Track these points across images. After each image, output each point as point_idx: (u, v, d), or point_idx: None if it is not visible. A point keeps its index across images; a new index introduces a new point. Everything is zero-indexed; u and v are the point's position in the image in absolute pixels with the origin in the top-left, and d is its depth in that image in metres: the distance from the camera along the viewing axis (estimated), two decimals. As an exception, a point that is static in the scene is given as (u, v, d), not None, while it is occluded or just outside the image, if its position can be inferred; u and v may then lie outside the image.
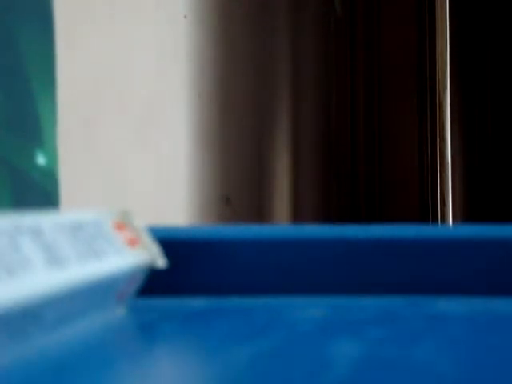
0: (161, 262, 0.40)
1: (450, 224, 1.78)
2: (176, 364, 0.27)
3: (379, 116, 1.86)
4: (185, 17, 1.15)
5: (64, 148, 0.73)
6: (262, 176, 1.53)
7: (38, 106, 0.66)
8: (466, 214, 1.88)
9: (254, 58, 1.47)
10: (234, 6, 1.35)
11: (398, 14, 1.89)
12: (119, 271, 0.35)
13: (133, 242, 0.39)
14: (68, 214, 0.33)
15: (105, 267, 0.33)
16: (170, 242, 0.43)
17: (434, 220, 1.79)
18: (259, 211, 1.53)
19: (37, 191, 0.62)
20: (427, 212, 1.79)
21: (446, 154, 1.81)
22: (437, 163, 1.81)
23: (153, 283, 0.40)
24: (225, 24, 1.31)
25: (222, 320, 0.36)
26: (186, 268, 0.45)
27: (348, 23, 1.93)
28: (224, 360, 0.27)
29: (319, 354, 0.27)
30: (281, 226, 0.46)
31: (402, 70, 1.87)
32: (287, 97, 1.68)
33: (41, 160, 0.63)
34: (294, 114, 1.70)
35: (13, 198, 0.59)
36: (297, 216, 1.66)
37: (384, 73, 1.88)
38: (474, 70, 1.88)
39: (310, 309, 0.39)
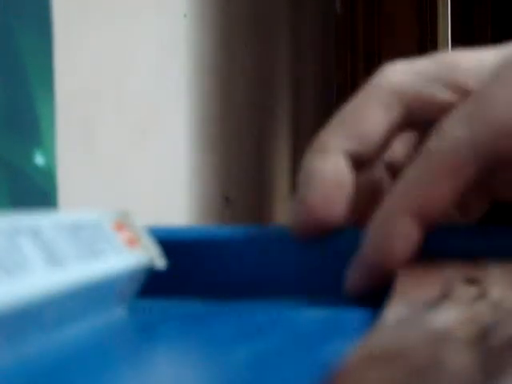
0: (161, 263, 0.40)
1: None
2: (175, 365, 0.27)
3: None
4: (185, 15, 1.15)
5: (62, 147, 0.72)
6: (262, 176, 1.53)
7: (37, 106, 0.66)
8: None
9: (254, 58, 1.47)
10: (234, 5, 1.35)
11: (399, 12, 1.89)
12: (119, 271, 0.35)
13: (132, 242, 0.39)
14: (67, 214, 0.33)
15: (104, 267, 0.33)
16: (169, 242, 0.43)
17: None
18: (259, 211, 1.53)
19: (35, 191, 0.62)
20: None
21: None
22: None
23: (153, 283, 0.40)
24: (225, 23, 1.31)
25: (222, 320, 0.36)
26: (186, 268, 0.44)
27: (348, 22, 1.93)
28: (224, 360, 0.27)
29: (319, 355, 0.27)
30: (281, 227, 0.46)
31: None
32: (288, 96, 1.68)
33: (39, 159, 0.63)
34: (295, 113, 1.70)
35: (11, 198, 0.59)
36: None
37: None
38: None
39: (310, 309, 0.39)
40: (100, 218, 0.36)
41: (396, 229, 0.39)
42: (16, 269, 0.26)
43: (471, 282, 0.35)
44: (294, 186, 1.66)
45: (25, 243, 0.27)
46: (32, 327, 0.28)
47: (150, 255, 0.39)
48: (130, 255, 0.37)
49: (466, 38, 1.89)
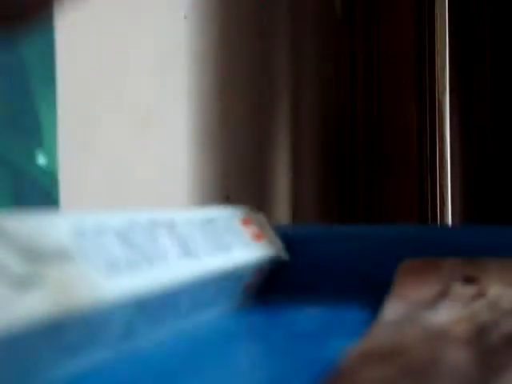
0: (284, 255, 0.42)
1: (449, 224, 1.78)
2: (175, 364, 0.27)
3: (378, 115, 1.86)
4: (185, 17, 1.15)
5: (64, 147, 0.73)
6: (262, 175, 1.53)
7: (38, 106, 0.66)
8: (465, 213, 1.88)
9: (255, 58, 1.47)
10: (234, 7, 1.36)
11: (398, 12, 1.89)
12: (246, 263, 0.36)
13: (258, 237, 0.41)
14: (199, 210, 0.35)
15: (233, 259, 0.34)
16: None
17: (433, 219, 1.79)
18: (259, 211, 1.52)
19: (37, 191, 0.62)
20: (426, 211, 1.79)
21: (446, 153, 1.81)
22: (436, 162, 1.81)
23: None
24: (225, 24, 1.32)
25: (222, 320, 0.36)
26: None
27: (348, 23, 1.93)
28: (224, 359, 0.28)
29: (319, 354, 0.28)
30: (281, 226, 0.47)
31: (401, 70, 1.88)
32: (287, 96, 1.68)
33: (41, 160, 0.63)
34: (294, 113, 1.70)
35: (13, 198, 0.59)
36: (297, 216, 1.66)
37: (383, 73, 1.88)
38: (474, 66, 1.88)
39: (310, 308, 0.39)
40: (228, 214, 0.37)
41: None
42: (156, 258, 0.27)
43: (469, 280, 0.35)
44: (294, 185, 1.67)
45: (162, 236, 0.29)
46: (170, 311, 0.30)
47: (275, 249, 0.41)
48: (255, 248, 0.39)
49: (463, 37, 1.90)
